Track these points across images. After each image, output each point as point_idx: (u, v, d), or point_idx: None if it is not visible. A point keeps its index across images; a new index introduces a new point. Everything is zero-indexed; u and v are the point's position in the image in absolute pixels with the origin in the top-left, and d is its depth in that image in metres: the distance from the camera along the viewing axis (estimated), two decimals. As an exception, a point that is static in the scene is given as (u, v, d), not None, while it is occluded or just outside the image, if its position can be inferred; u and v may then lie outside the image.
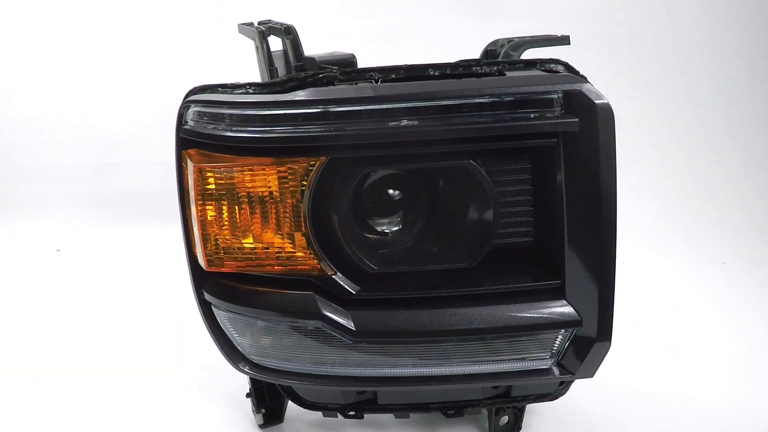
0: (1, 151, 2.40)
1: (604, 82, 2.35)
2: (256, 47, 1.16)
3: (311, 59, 1.12)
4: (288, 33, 1.16)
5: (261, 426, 1.30)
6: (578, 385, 1.31)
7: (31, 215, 2.38)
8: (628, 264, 1.97)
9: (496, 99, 0.93)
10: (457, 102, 0.93)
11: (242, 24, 1.25)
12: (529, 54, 1.10)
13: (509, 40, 1.14)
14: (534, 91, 0.93)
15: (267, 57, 1.12)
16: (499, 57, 1.11)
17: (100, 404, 1.44)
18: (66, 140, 2.40)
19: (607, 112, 0.93)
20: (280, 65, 1.16)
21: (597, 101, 0.92)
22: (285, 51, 1.17)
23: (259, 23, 1.27)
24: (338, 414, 1.24)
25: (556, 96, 0.94)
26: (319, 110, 0.96)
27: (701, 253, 2.20)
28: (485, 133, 0.94)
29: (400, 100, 0.94)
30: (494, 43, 1.18)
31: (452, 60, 1.06)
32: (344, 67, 1.07)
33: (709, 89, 2.55)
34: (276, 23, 1.22)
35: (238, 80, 1.17)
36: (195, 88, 1.08)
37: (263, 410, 1.29)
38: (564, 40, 1.11)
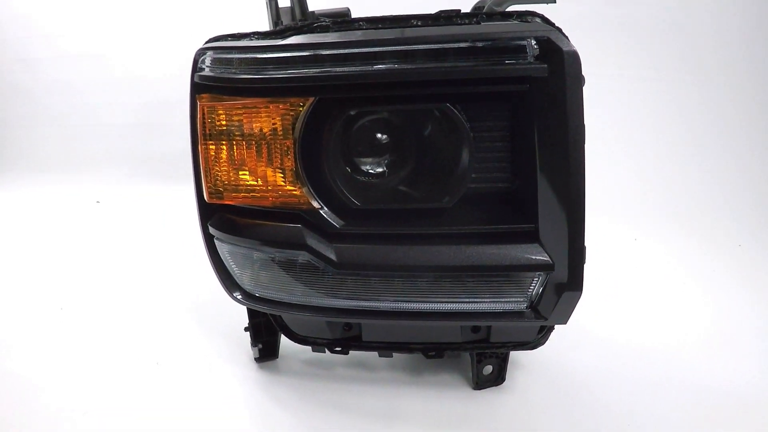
0: (53, 112, 2.56)
1: (609, 61, 2.37)
2: (267, 2, 1.24)
3: (313, 14, 1.20)
4: (295, -9, 1.25)
5: (257, 359, 1.39)
6: (562, 342, 1.36)
7: (76, 169, 2.56)
8: (640, 239, 2.01)
9: (469, 44, 0.99)
10: (434, 47, 1.00)
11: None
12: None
13: (494, -1, 1.19)
14: (504, 38, 0.98)
15: (275, 12, 1.21)
16: (483, 10, 1.16)
17: (117, 335, 1.56)
18: (112, 102, 2.55)
19: (573, 57, 0.97)
20: (287, 20, 1.24)
21: (564, 48, 0.97)
22: (292, 8, 1.25)
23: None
24: (325, 349, 1.32)
25: (527, 43, 0.99)
26: (308, 53, 1.04)
27: (714, 234, 2.17)
28: (458, 76, 1.00)
29: (382, 44, 1.01)
30: (482, 0, 1.23)
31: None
32: (337, 18, 1.15)
33: (717, 68, 2.50)
34: (288, -20, 1.31)
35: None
36: (210, 38, 1.18)
37: (260, 345, 1.37)
38: None
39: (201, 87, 1.15)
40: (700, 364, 1.46)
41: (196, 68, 1.16)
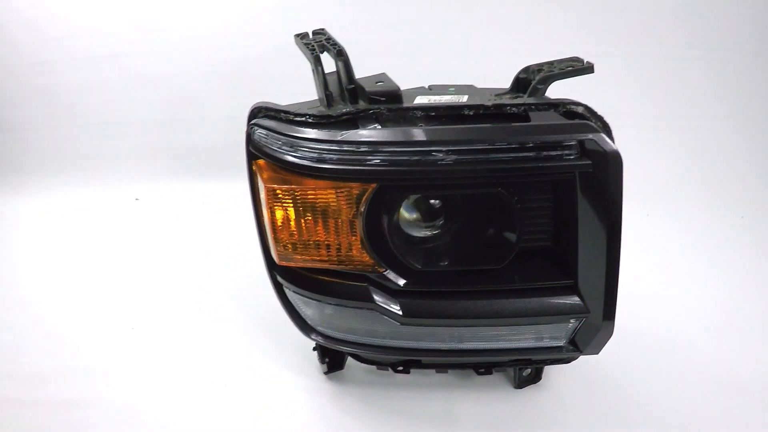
0: (76, 111, 2.58)
1: (618, 41, 2.36)
2: (312, 70, 1.31)
3: (361, 87, 1.28)
4: (340, 55, 1.31)
5: (326, 373, 1.57)
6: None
7: (109, 168, 2.60)
8: (652, 215, 2.16)
9: (521, 145, 1.10)
10: (488, 147, 1.10)
11: (298, 37, 1.39)
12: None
13: (539, 69, 1.27)
14: (553, 140, 1.10)
15: (323, 82, 1.28)
16: (528, 89, 1.25)
17: (180, 350, 1.71)
18: (133, 99, 2.57)
19: (615, 158, 1.09)
20: (333, 85, 1.32)
21: (608, 149, 1.08)
22: (338, 72, 1.32)
23: (314, 33, 1.41)
24: (389, 368, 1.51)
25: (573, 143, 1.10)
26: (370, 149, 1.14)
27: (718, 206, 2.29)
28: (510, 171, 1.12)
29: (440, 144, 1.11)
30: (525, 70, 1.30)
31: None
32: (391, 100, 1.24)
33: (723, 40, 2.52)
34: (329, 39, 1.37)
35: (297, 101, 1.36)
36: (259, 107, 1.26)
37: (327, 360, 1.56)
38: (588, 70, 1.24)
39: (256, 155, 1.25)
40: (716, 350, 1.65)
41: (249, 139, 1.25)
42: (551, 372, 1.56)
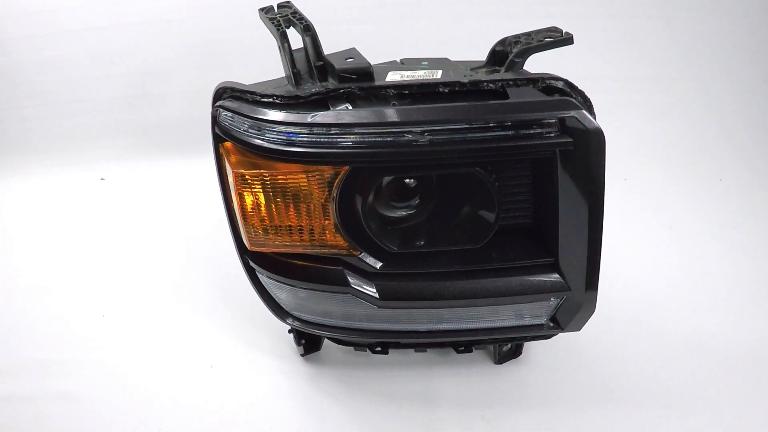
0: (39, 91, 2.44)
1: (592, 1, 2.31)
2: (279, 46, 1.25)
3: (330, 63, 1.22)
4: (307, 30, 1.25)
5: (302, 355, 1.55)
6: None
7: (73, 148, 2.48)
8: (630, 180, 2.14)
9: (499, 124, 1.06)
10: (465, 126, 1.06)
11: (262, 11, 1.33)
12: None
13: (516, 41, 1.22)
14: (532, 119, 1.06)
15: (290, 59, 1.22)
16: (506, 63, 1.21)
17: (153, 336, 1.66)
18: (97, 76, 2.45)
19: (597, 135, 1.05)
20: (301, 62, 1.26)
21: (589, 127, 1.05)
22: (305, 48, 1.26)
23: (280, 6, 1.34)
24: (367, 349, 1.48)
25: (554, 121, 1.06)
26: (341, 131, 1.09)
27: (696, 170, 2.27)
28: (488, 151, 1.08)
29: (415, 124, 1.07)
30: (502, 42, 1.25)
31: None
32: (361, 77, 1.18)
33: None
34: (295, 13, 1.30)
35: (267, 74, 1.30)
36: (224, 87, 1.20)
37: (303, 342, 1.52)
38: (567, 41, 1.19)
39: (222, 138, 1.19)
40: (695, 319, 1.64)
41: (215, 121, 1.19)
42: (531, 346, 1.55)
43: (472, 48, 1.37)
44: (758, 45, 2.45)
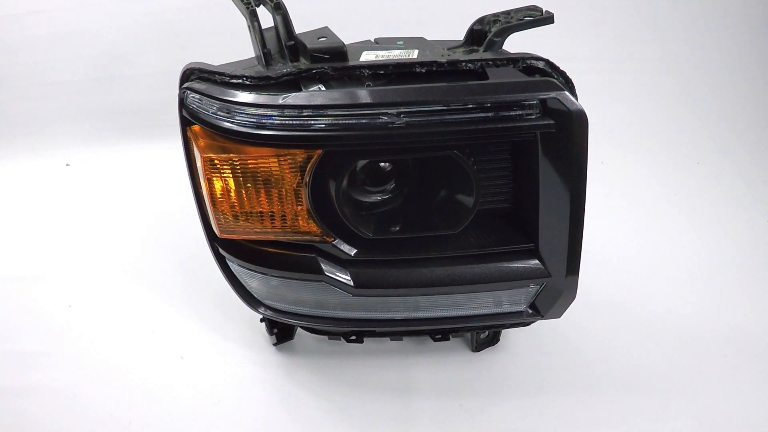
0: (1, 72, 2.38)
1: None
2: (248, 26, 1.20)
3: (302, 43, 1.17)
4: (278, 9, 1.19)
5: (275, 344, 1.50)
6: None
7: (37, 133, 2.40)
8: (607, 163, 2.12)
9: (478, 105, 1.02)
10: (443, 108, 1.02)
11: (232, -12, 1.28)
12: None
13: (495, 19, 1.18)
14: (512, 100, 1.02)
15: (260, 39, 1.17)
16: (484, 42, 1.17)
17: (121, 327, 1.60)
18: (61, 57, 2.36)
19: (580, 117, 1.02)
20: (272, 42, 1.21)
21: (571, 108, 1.02)
22: (276, 27, 1.21)
23: (249, -18, 1.29)
24: (341, 338, 1.44)
25: (535, 102, 1.02)
26: (314, 113, 1.04)
27: (674, 153, 2.26)
28: (466, 133, 1.04)
29: (390, 106, 1.02)
30: (480, 21, 1.21)
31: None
32: (334, 57, 1.13)
33: None
34: (266, -11, 1.25)
35: (237, 56, 1.25)
36: (192, 68, 1.15)
37: (275, 331, 1.48)
38: (548, 21, 1.15)
39: (190, 121, 1.15)
40: (675, 303, 1.63)
41: (182, 104, 1.15)
42: (510, 333, 1.52)
43: (450, 28, 1.33)
44: (735, 30, 2.44)
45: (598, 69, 2.36)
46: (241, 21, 1.24)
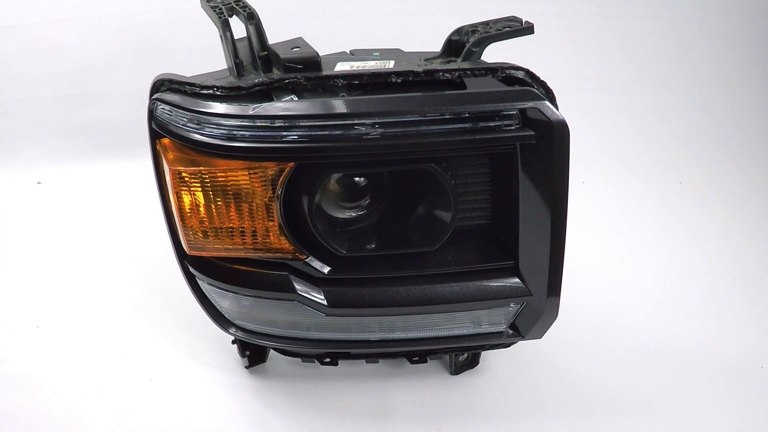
0: None
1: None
2: (220, 36, 1.17)
3: (275, 53, 1.14)
4: (251, 19, 1.17)
5: (247, 367, 1.44)
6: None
7: (7, 150, 2.33)
8: (588, 183, 2.10)
9: (456, 116, 0.99)
10: (419, 118, 0.99)
11: (204, 0, 1.24)
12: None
13: (473, 30, 1.16)
14: (491, 110, 0.99)
15: (232, 50, 1.14)
16: (462, 52, 1.14)
17: (90, 348, 1.53)
18: (35, 74, 2.30)
19: (561, 128, 1.00)
20: (244, 52, 1.18)
21: (552, 118, 0.99)
22: (249, 38, 1.18)
23: (222, -5, 1.26)
24: (315, 360, 1.39)
25: (514, 113, 1.00)
26: (286, 123, 1.01)
27: (656, 173, 2.25)
28: (443, 145, 1.01)
29: (364, 117, 0.99)
30: (458, 32, 1.19)
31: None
32: (308, 68, 1.10)
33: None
34: (238, 1, 1.21)
35: (203, 72, 1.22)
36: (162, 79, 1.11)
37: (247, 353, 1.42)
38: (528, 31, 1.13)
39: (159, 134, 1.11)
40: (658, 324, 1.60)
41: (152, 115, 1.10)
42: (489, 356, 1.48)
43: (427, 41, 1.31)
44: (717, 51, 2.46)
45: (578, 88, 2.34)
46: (215, 38, 1.21)
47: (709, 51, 2.46)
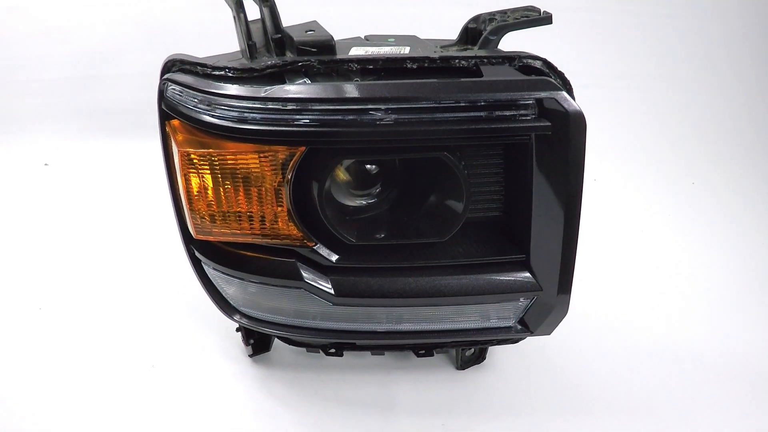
0: None
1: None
2: (234, 17, 1.15)
3: (289, 36, 1.12)
4: (265, 0, 1.15)
5: (251, 356, 1.43)
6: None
7: (15, 130, 2.33)
8: (600, 181, 2.07)
9: (471, 104, 0.97)
10: (434, 105, 0.97)
11: (219, -19, 1.23)
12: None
13: (491, 18, 1.14)
14: (507, 99, 0.97)
15: (246, 31, 1.12)
16: (479, 41, 1.12)
17: (92, 332, 1.53)
18: (46, 54, 2.30)
19: (578, 119, 0.97)
20: (257, 35, 1.16)
21: (570, 109, 0.97)
22: (262, 19, 1.16)
23: (237, -25, 1.24)
24: (320, 351, 1.38)
25: (531, 102, 0.98)
26: (298, 107, 0.99)
27: (668, 173, 2.23)
28: (458, 133, 0.99)
29: (379, 102, 0.97)
30: (475, 19, 1.17)
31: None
32: (322, 51, 1.08)
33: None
34: (254, -17, 1.20)
35: (220, 48, 1.20)
36: (173, 59, 1.09)
37: (251, 342, 1.41)
38: (546, 21, 1.11)
39: (169, 115, 1.09)
40: (667, 324, 1.59)
41: (162, 96, 1.09)
42: (496, 351, 1.46)
43: (443, 29, 1.29)
44: (733, 48, 2.43)
45: (591, 85, 2.30)
46: (228, 21, 1.19)
47: (726, 49, 2.45)
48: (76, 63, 2.31)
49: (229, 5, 1.16)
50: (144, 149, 1.87)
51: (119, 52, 2.31)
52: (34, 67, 2.32)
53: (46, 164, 2.24)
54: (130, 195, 2.07)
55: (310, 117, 0.99)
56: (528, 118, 0.98)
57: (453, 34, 1.25)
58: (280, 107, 0.99)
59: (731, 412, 1.37)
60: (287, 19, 1.19)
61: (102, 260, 1.79)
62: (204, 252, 1.21)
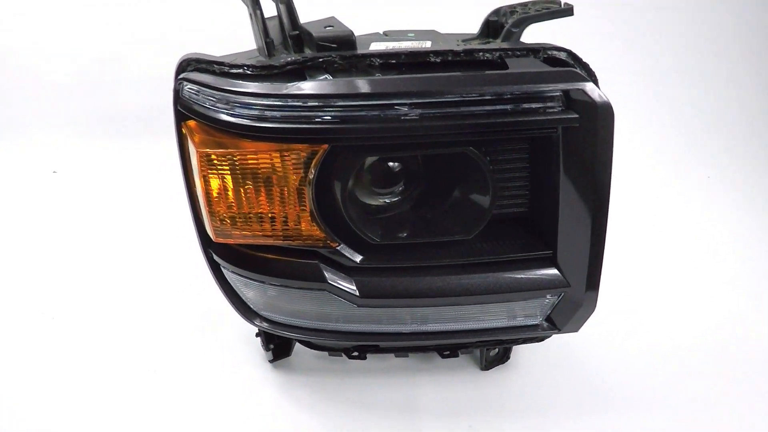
0: None
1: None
2: (250, 14, 1.13)
3: (307, 32, 1.10)
4: (281, -1, 1.13)
5: (271, 361, 1.41)
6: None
7: (22, 137, 2.33)
8: (615, 175, 2.04)
9: (498, 97, 0.95)
10: (459, 99, 0.95)
11: (234, -21, 1.21)
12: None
13: (512, 11, 1.12)
14: (534, 91, 0.95)
15: (263, 29, 1.10)
16: (501, 33, 1.11)
17: (113, 342, 1.51)
18: (54, 61, 2.29)
19: (606, 110, 0.95)
20: (275, 32, 1.14)
21: (598, 101, 0.95)
22: (279, 16, 1.14)
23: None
24: (342, 354, 1.35)
25: (558, 95, 0.96)
26: (320, 103, 0.97)
27: (683, 167, 2.21)
28: (484, 128, 0.97)
29: (402, 96, 0.95)
30: (496, 12, 1.15)
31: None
32: (342, 47, 1.06)
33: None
34: (269, -20, 1.18)
35: (233, 51, 1.18)
36: (189, 58, 1.07)
37: (272, 346, 1.39)
38: (567, 13, 1.09)
39: (186, 116, 1.06)
40: (693, 326, 1.56)
41: (177, 96, 1.07)
42: (520, 350, 1.44)
43: (461, 25, 1.27)
44: (748, 45, 2.42)
45: (607, 81, 2.28)
46: (240, 24, 1.18)
47: (742, 45, 2.43)
48: (85, 68, 2.29)
49: (245, 3, 1.14)
50: (153, 155, 1.87)
51: (129, 57, 2.29)
52: (43, 72, 2.31)
53: (54, 172, 2.23)
54: (139, 201, 2.05)
55: (333, 113, 0.97)
56: (555, 110, 0.96)
57: (471, 29, 1.23)
58: (301, 104, 0.97)
59: (756, 412, 1.34)
60: (304, 18, 1.17)
61: (115, 268, 1.77)
62: (223, 255, 1.18)
